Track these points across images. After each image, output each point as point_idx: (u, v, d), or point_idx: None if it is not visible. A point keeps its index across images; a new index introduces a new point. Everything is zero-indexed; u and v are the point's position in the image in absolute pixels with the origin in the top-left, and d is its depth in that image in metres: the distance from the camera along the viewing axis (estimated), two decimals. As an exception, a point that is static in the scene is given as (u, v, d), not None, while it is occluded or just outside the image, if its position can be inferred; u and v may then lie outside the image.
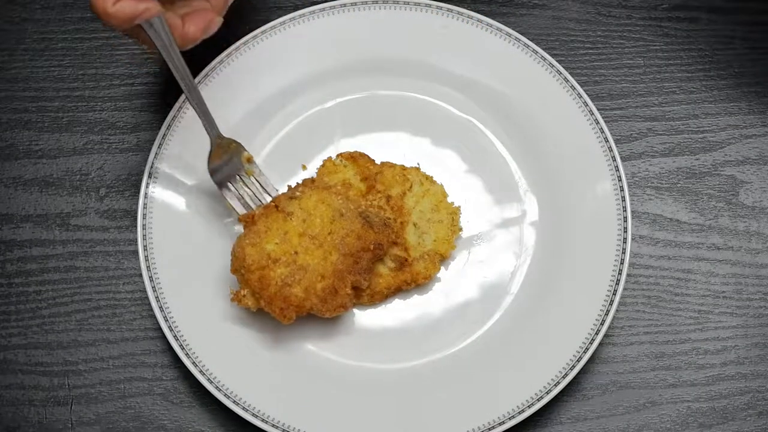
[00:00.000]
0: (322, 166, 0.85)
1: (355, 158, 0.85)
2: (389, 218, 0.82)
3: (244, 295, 0.79)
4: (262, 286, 0.78)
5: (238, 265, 0.79)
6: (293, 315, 0.78)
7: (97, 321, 0.83)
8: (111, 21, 0.72)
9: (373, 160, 0.85)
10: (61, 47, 0.92)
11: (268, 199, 0.83)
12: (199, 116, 0.81)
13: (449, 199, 0.85)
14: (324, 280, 0.79)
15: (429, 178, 0.85)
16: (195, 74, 0.88)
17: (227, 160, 0.83)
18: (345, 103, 0.89)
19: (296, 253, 0.79)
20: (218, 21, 0.79)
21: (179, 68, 0.78)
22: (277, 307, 0.78)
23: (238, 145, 0.83)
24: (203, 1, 0.80)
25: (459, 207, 0.84)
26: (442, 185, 0.84)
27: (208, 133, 0.82)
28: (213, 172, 0.82)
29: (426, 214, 0.84)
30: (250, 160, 0.84)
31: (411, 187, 0.84)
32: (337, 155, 0.85)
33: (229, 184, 0.83)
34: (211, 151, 0.82)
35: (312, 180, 0.83)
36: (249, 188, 0.83)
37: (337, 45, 0.89)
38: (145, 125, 0.90)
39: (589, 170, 0.84)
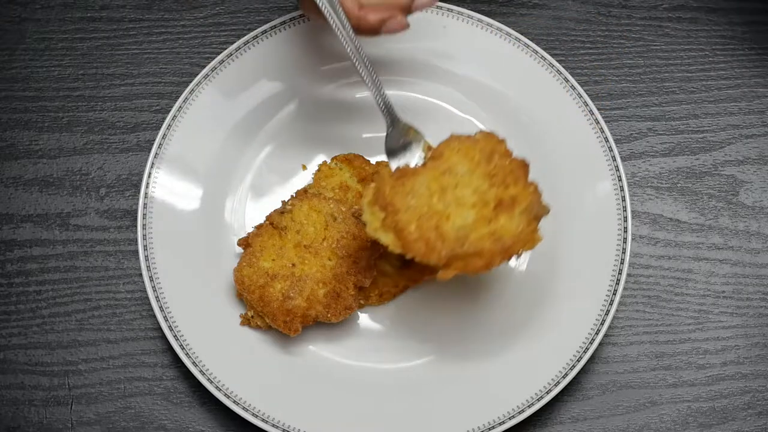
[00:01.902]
0: (318, 170, 0.85)
1: (350, 160, 0.85)
2: None
3: (251, 317, 0.80)
4: (263, 304, 0.78)
5: (240, 289, 0.79)
6: (299, 326, 0.78)
7: (97, 321, 0.84)
8: None
9: (368, 161, 0.85)
10: (61, 47, 0.92)
11: None
12: (374, 97, 0.79)
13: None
14: (325, 287, 0.79)
15: None
16: (195, 75, 0.89)
17: (405, 145, 0.80)
18: (345, 103, 0.89)
19: (293, 265, 0.80)
20: (401, 21, 0.75)
21: (350, 42, 0.75)
22: (281, 321, 0.78)
23: (417, 132, 0.81)
24: None
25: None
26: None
27: (384, 115, 0.79)
28: (390, 153, 0.80)
29: (426, 209, 0.83)
30: (430, 148, 0.80)
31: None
32: (332, 158, 0.85)
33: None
34: (387, 134, 0.81)
35: (305, 190, 0.84)
36: None
37: (338, 45, 0.89)
38: (145, 125, 0.90)
39: (589, 170, 0.84)
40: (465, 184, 0.74)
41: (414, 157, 0.81)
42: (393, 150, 0.81)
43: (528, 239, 0.74)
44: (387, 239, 0.73)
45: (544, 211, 0.76)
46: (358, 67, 0.78)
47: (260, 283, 0.79)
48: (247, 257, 0.80)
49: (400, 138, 0.81)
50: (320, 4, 0.74)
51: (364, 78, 0.78)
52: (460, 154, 0.75)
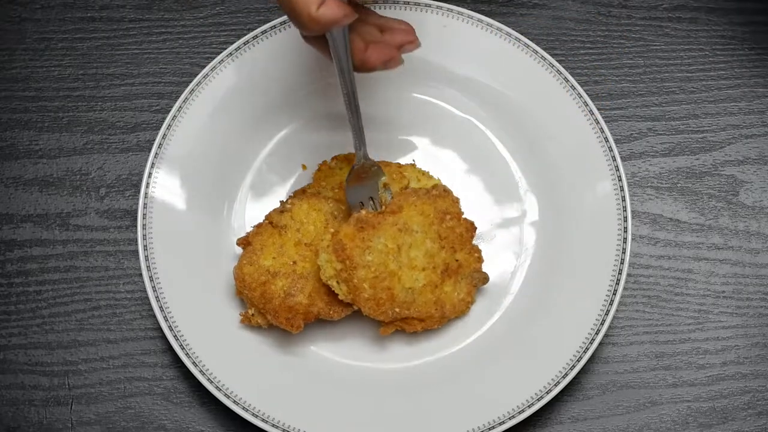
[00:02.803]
0: (318, 170, 0.85)
1: (350, 160, 0.85)
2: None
3: (252, 315, 0.80)
4: (265, 301, 0.79)
5: (241, 287, 0.79)
6: (301, 323, 0.78)
7: (97, 321, 0.84)
8: (312, 26, 0.70)
9: None
10: (61, 47, 0.92)
11: None
12: (353, 134, 0.80)
13: (447, 194, 0.85)
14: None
15: (425, 174, 0.85)
16: (195, 75, 0.89)
17: (365, 182, 0.82)
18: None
19: (294, 263, 0.80)
20: (399, 60, 0.78)
21: (348, 85, 0.77)
22: (283, 318, 0.78)
23: (379, 168, 0.82)
24: (389, 35, 0.79)
25: (458, 198, 0.84)
26: (439, 179, 0.85)
27: (356, 153, 0.81)
28: (349, 192, 0.81)
29: (426, 210, 0.84)
30: (386, 186, 0.82)
31: (408, 184, 0.84)
32: (332, 158, 0.85)
33: (361, 205, 0.81)
34: (352, 170, 0.82)
35: (303, 190, 0.84)
36: (377, 209, 0.81)
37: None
38: (145, 125, 0.90)
39: (589, 170, 0.84)
40: (418, 244, 0.79)
41: (370, 192, 0.82)
42: (354, 188, 0.82)
43: (464, 308, 0.81)
44: (340, 290, 0.78)
45: (483, 280, 0.82)
46: (345, 100, 0.78)
47: (261, 280, 0.79)
48: (247, 255, 0.80)
49: (363, 175, 0.82)
50: (328, 37, 0.75)
51: (348, 112, 0.79)
52: (417, 210, 0.80)
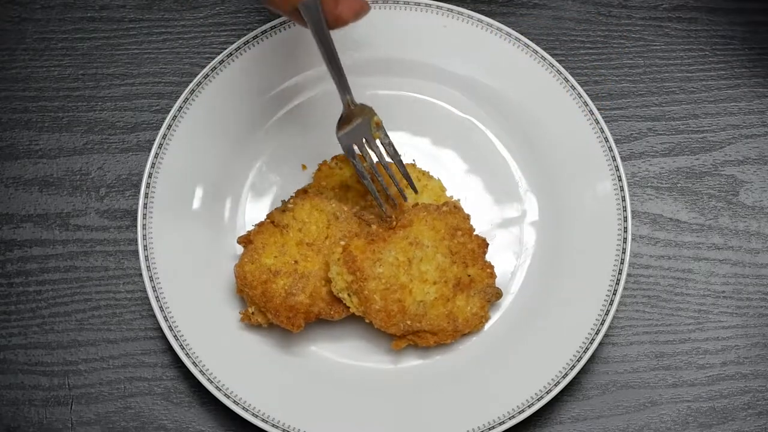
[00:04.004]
0: (318, 170, 0.85)
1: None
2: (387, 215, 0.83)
3: (252, 313, 0.80)
4: (266, 300, 0.79)
5: (242, 285, 0.79)
6: (301, 322, 0.78)
7: (97, 321, 0.84)
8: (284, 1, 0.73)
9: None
10: (61, 47, 0.92)
11: (388, 161, 0.82)
12: (338, 88, 0.79)
13: (447, 193, 0.84)
14: (328, 284, 0.79)
15: (426, 174, 0.85)
16: (195, 75, 0.89)
17: (356, 122, 0.80)
18: (345, 103, 0.89)
19: (296, 262, 0.80)
20: (367, 7, 0.78)
21: (327, 45, 0.76)
22: (284, 317, 0.78)
23: (370, 109, 0.81)
24: None
25: (458, 200, 0.84)
26: (439, 180, 0.85)
27: (342, 99, 0.80)
28: (342, 138, 0.80)
29: (427, 210, 0.84)
30: (378, 124, 0.81)
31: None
32: (332, 158, 0.85)
33: (355, 148, 0.81)
34: (342, 116, 0.80)
35: (305, 190, 0.84)
36: (373, 151, 0.81)
37: (337, 45, 0.89)
38: (145, 125, 0.90)
39: (589, 170, 0.84)
40: (429, 258, 0.80)
41: (363, 133, 0.81)
42: (346, 132, 0.81)
43: (478, 323, 0.81)
44: (351, 302, 0.78)
45: (496, 295, 0.81)
46: (325, 56, 0.77)
47: (263, 279, 0.79)
48: (248, 254, 0.80)
49: (354, 119, 0.81)
50: (301, 8, 0.75)
51: (329, 64, 0.78)
52: (427, 225, 0.80)
